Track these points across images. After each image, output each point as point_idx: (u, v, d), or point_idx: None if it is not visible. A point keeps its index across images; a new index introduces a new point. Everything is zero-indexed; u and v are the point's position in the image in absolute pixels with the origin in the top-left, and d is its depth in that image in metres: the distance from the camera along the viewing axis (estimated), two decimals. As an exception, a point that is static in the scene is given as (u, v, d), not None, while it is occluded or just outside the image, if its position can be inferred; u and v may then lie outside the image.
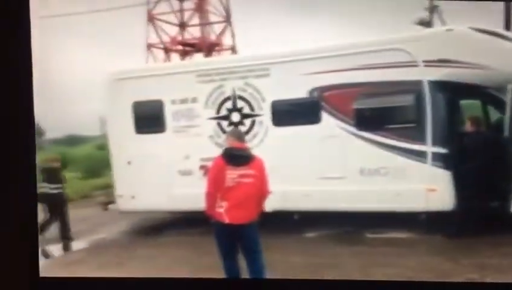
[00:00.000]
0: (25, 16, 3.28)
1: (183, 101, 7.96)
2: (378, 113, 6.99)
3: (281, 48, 7.86)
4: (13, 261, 3.37)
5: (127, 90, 8.16)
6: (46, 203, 7.60)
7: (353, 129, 7.05)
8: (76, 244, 7.73)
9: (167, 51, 21.81)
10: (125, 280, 4.81)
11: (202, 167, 7.54)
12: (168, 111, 8.02)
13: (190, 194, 7.11)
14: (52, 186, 7.74)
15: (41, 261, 6.89)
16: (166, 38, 21.64)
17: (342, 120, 7.13)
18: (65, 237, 7.75)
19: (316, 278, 5.20)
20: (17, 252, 3.39)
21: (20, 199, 3.40)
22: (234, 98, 7.74)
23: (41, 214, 7.45)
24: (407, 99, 6.80)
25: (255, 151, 5.02)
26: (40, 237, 7.41)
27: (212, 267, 4.85)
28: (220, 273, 4.64)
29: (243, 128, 7.53)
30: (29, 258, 3.46)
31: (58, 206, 7.75)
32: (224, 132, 7.69)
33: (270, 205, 4.78)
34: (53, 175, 7.81)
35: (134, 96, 8.16)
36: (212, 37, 22.23)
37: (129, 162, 8.17)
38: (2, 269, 3.35)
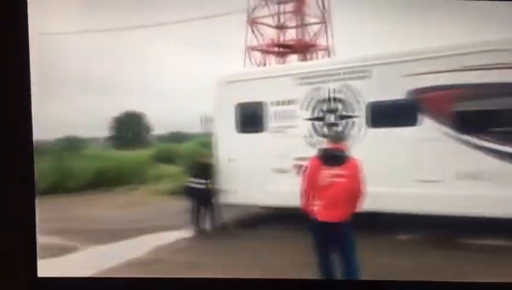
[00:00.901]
0: (22, 15, 3.22)
1: (283, 102, 8.36)
2: (479, 115, 6.78)
3: (383, 49, 7.89)
4: (12, 261, 3.35)
5: (232, 93, 8.78)
6: (192, 197, 8.43)
7: (453, 132, 6.91)
8: (181, 234, 8.39)
9: (265, 52, 22.45)
10: (125, 280, 4.79)
11: (297, 166, 7.86)
12: (269, 112, 8.48)
13: (284, 191, 7.52)
14: (198, 181, 8.48)
15: (159, 242, 7.75)
16: (264, 41, 22.29)
17: (441, 122, 7.01)
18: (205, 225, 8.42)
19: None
20: (16, 252, 3.36)
21: (19, 198, 3.35)
22: (330, 99, 7.95)
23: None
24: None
25: (350, 153, 5.19)
26: (195, 227, 8.35)
27: (306, 264, 5.03)
28: (313, 271, 4.79)
29: (338, 129, 7.72)
30: (28, 258, 3.42)
31: (205, 200, 8.46)
32: (318, 132, 7.95)
33: (364, 205, 4.91)
34: (202, 170, 8.56)
35: (238, 98, 8.76)
36: (308, 39, 22.44)
37: (231, 159, 8.76)
38: (1, 269, 3.34)
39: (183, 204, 8.88)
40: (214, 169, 8.76)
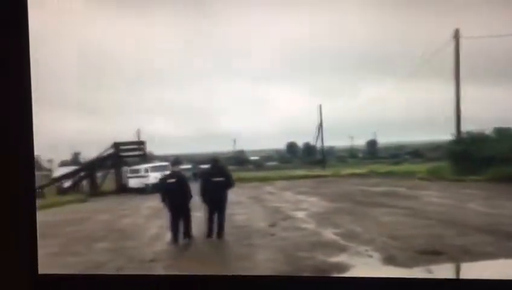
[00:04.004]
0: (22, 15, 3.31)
1: None
2: None
3: None
4: (13, 258, 3.36)
5: None
6: None
7: None
8: None
9: None
10: (124, 277, 4.65)
11: None
12: None
13: None
14: None
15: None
16: None
17: None
18: None
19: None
20: (17, 249, 3.38)
21: (19, 195, 3.37)
22: None
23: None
24: None
25: None
26: None
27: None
28: None
29: None
30: (28, 255, 3.42)
31: None
32: None
33: None
34: None
35: None
36: None
37: None
38: (2, 267, 3.34)
39: None
40: None
